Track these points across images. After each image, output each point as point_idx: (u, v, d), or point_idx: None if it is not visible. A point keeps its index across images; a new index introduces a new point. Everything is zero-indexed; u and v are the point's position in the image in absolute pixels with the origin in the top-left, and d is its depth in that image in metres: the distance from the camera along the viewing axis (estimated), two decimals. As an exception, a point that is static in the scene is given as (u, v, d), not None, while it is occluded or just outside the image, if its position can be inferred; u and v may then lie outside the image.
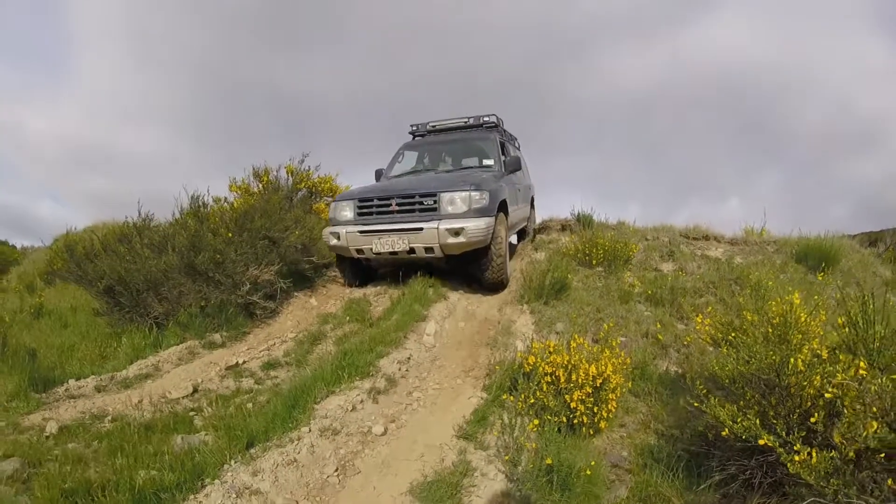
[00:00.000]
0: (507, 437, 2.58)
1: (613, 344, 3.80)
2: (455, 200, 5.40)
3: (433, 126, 7.90)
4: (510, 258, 6.53)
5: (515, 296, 5.54)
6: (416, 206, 5.54)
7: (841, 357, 1.83)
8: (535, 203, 9.47)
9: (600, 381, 3.20)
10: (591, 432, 3.16)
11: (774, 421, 1.99)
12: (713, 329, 3.19)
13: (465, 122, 7.68)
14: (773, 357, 1.97)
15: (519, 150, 8.80)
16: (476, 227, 5.22)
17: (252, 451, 2.67)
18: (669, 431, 3.33)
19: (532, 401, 3.16)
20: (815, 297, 4.37)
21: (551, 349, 3.49)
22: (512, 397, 3.23)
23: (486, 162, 6.97)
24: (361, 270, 6.28)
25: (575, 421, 3.09)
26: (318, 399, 3.30)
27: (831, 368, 1.79)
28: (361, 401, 3.35)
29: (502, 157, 6.91)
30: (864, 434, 1.63)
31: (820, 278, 5.71)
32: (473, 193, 5.38)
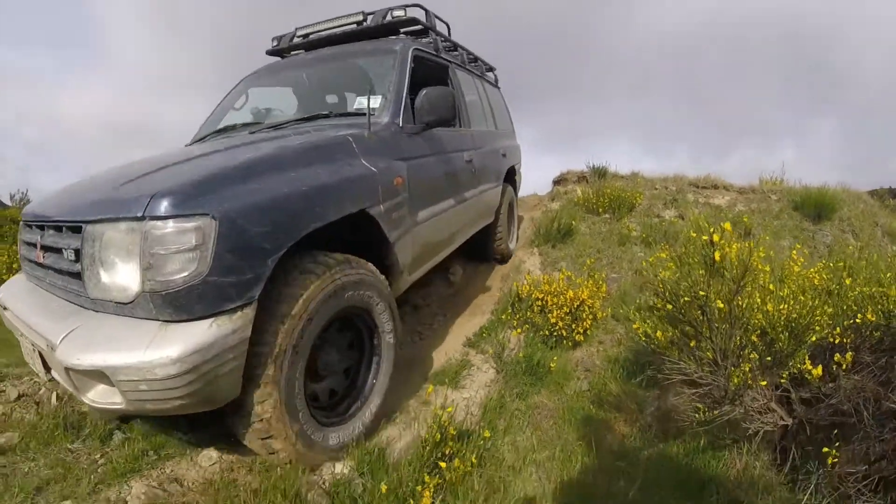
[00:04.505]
0: (495, 340, 3.50)
1: (596, 277, 4.64)
2: (111, 257, 1.69)
3: (304, 34, 4.09)
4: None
5: (528, 241, 6.39)
6: (63, 262, 1.92)
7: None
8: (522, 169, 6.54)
9: (577, 303, 4.06)
10: (571, 344, 4.06)
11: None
12: (669, 260, 3.95)
13: (359, 25, 3.82)
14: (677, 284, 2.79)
15: (495, 85, 6.01)
16: (161, 363, 1.54)
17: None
18: (637, 346, 4.19)
19: (523, 318, 4.08)
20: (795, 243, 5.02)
21: (544, 281, 4.36)
22: (509, 316, 4.15)
23: (365, 103, 2.91)
24: None
25: (556, 334, 3.99)
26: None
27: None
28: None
29: (406, 92, 3.12)
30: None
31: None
32: (157, 231, 1.59)
